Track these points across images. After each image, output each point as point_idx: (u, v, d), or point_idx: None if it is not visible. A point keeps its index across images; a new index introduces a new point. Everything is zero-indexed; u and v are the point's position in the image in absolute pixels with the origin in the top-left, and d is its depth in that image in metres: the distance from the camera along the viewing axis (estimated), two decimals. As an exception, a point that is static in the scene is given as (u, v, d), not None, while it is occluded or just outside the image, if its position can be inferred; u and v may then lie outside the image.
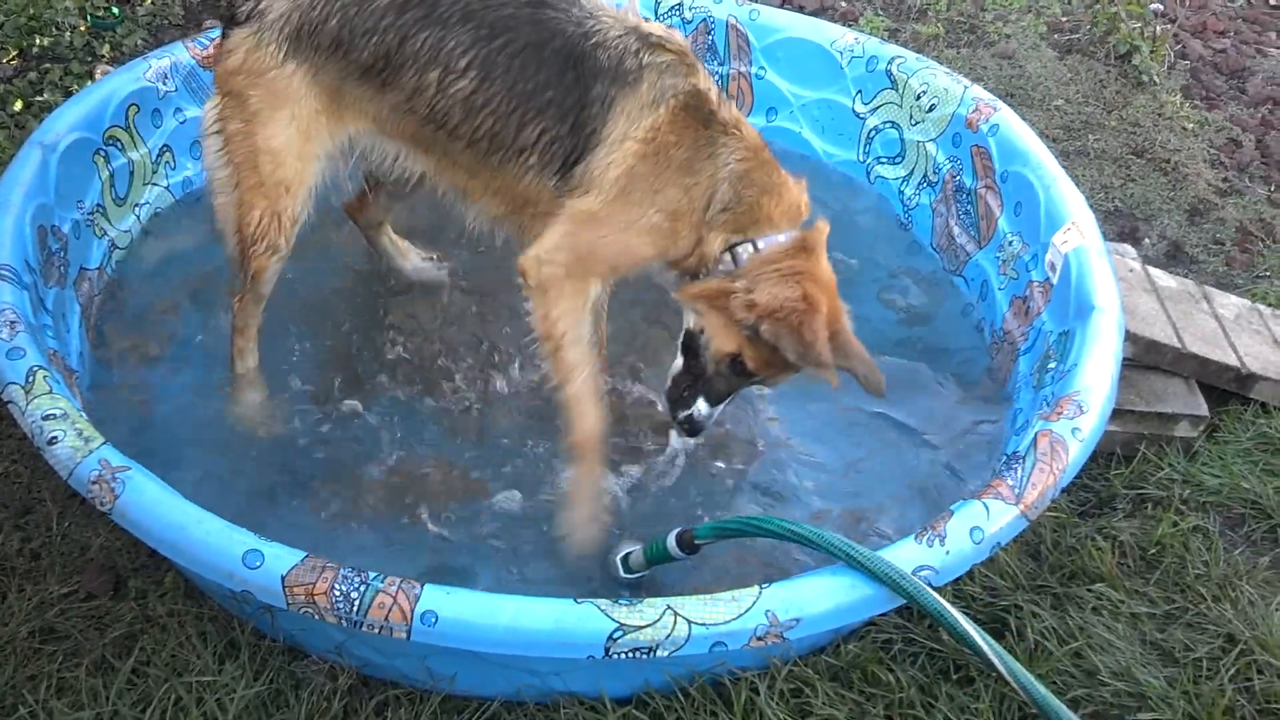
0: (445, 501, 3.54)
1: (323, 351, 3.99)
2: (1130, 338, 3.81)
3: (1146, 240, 4.72)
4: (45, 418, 3.01)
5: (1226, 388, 3.96)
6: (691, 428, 3.44)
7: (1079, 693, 3.12)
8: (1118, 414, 3.77)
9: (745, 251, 3.37)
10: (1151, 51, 5.47)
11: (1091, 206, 4.66)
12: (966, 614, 3.25)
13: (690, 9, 5.00)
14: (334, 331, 4.06)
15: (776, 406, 3.96)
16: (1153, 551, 3.51)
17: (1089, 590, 3.39)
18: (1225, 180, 5.03)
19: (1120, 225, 4.77)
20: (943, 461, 3.75)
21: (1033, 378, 3.73)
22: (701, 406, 3.41)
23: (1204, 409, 3.86)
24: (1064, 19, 5.94)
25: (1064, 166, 4.84)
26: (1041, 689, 2.85)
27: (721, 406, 3.45)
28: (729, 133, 3.36)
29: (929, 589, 2.85)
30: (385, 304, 4.16)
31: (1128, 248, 4.36)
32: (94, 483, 2.89)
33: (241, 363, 3.79)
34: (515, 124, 3.34)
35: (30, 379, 3.11)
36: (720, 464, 3.76)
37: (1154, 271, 4.18)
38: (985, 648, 2.87)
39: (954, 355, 4.18)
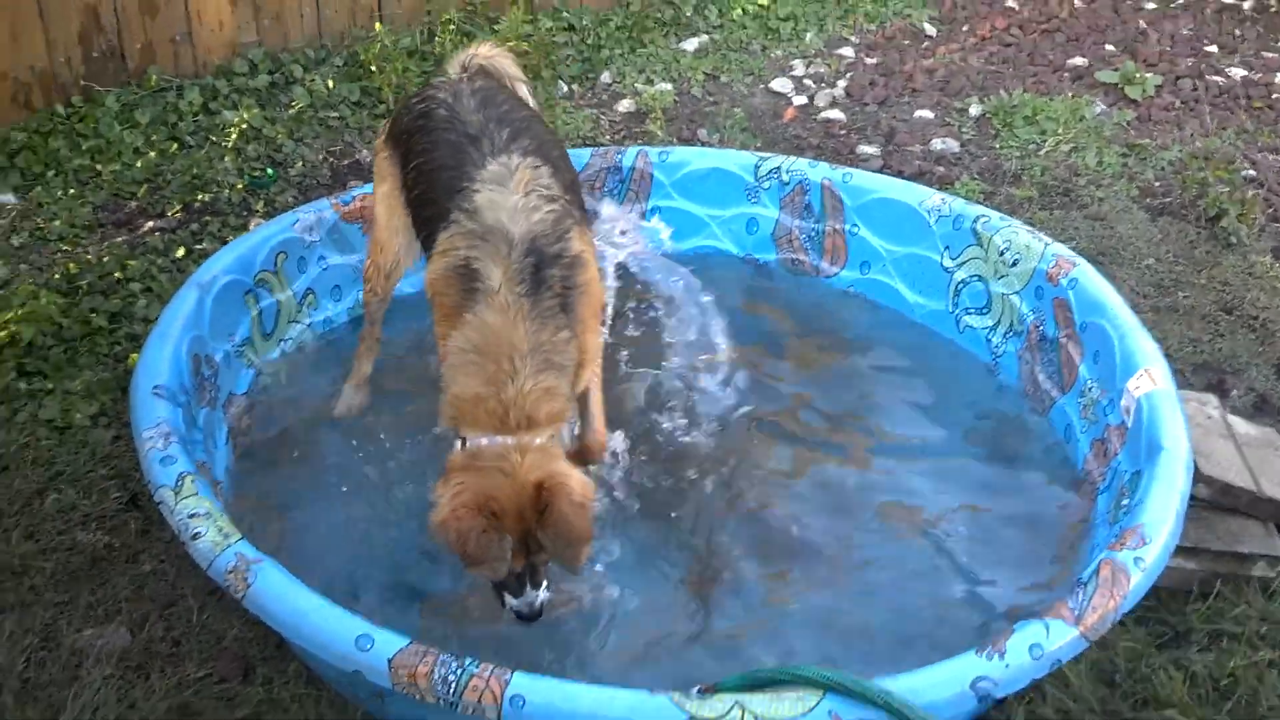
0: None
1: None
2: (1205, 480, 3.96)
3: (1235, 392, 4.86)
4: (191, 516, 3.40)
5: (1304, 532, 4.06)
6: (530, 615, 3.49)
7: (1148, 818, 3.22)
8: (1195, 553, 3.91)
9: (455, 447, 3.53)
10: (1240, 214, 5.68)
11: (1175, 357, 4.89)
12: (1038, 736, 3.46)
13: (788, 172, 5.40)
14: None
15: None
16: (1225, 682, 3.59)
17: (1160, 715, 3.48)
18: (1313, 336, 5.17)
19: (1208, 378, 4.93)
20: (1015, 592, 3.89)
21: (1109, 515, 3.90)
22: (532, 593, 3.47)
23: (1280, 550, 3.96)
24: (1156, 184, 6.19)
25: (1154, 322, 5.11)
26: None
27: (544, 584, 3.49)
28: (471, 314, 3.52)
29: None
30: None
31: (1210, 397, 4.51)
32: (230, 573, 3.25)
33: (357, 369, 4.59)
34: (417, 225, 4.00)
35: (180, 483, 3.51)
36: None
37: (1233, 419, 4.33)
38: None
39: (1040, 493, 4.35)
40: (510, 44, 6.92)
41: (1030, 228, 4.91)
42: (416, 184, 4.01)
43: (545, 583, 3.48)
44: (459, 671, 2.98)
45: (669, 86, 7.32)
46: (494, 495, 3.28)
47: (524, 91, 4.59)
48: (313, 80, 6.97)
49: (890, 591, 3.96)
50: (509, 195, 3.64)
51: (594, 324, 3.79)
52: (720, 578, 3.99)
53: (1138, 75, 7.13)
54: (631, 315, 4.95)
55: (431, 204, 3.86)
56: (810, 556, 4.08)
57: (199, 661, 3.62)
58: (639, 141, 6.54)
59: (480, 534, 3.24)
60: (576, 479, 3.38)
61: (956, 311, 5.05)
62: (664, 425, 4.53)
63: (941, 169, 6.47)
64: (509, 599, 3.47)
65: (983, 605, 3.89)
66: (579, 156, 5.51)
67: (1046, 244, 4.73)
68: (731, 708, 2.92)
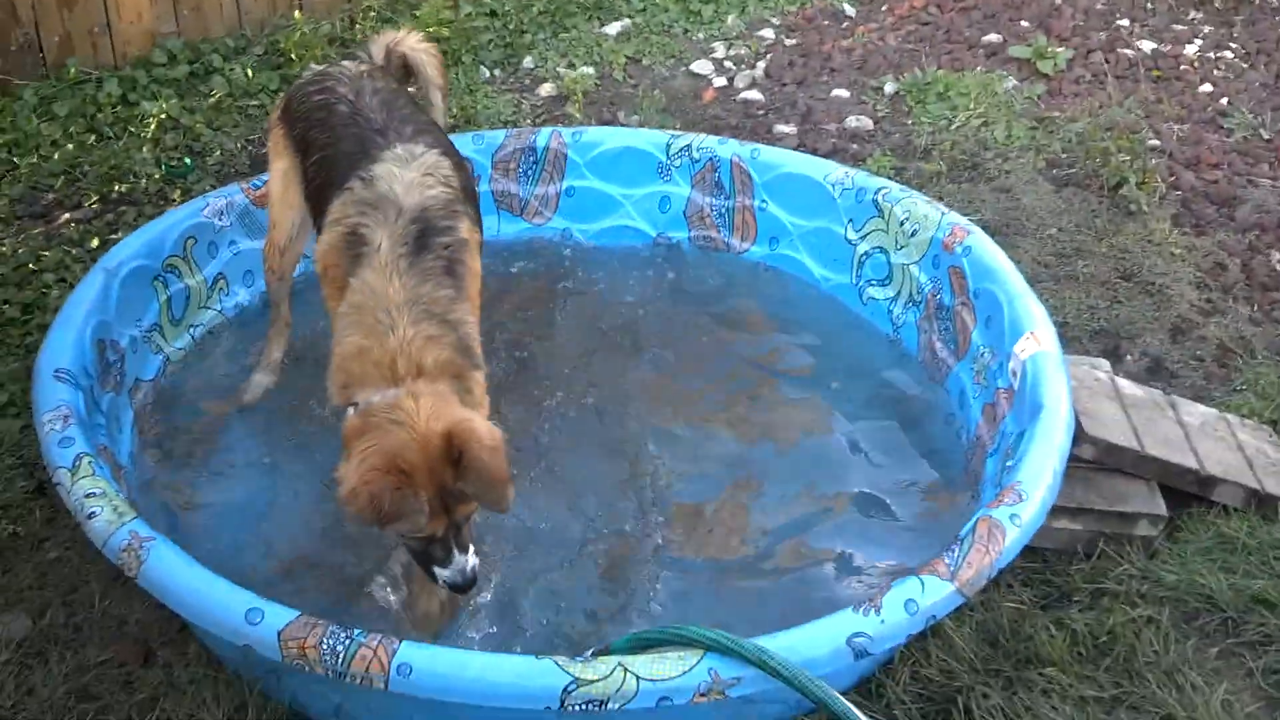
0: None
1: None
2: (1091, 440, 4.06)
3: (1129, 357, 4.97)
4: (86, 496, 3.44)
5: (1188, 490, 4.16)
6: (464, 583, 3.40)
7: (1018, 766, 3.33)
8: (1079, 513, 4.03)
9: (348, 415, 3.46)
10: (1140, 183, 5.80)
11: (1073, 324, 5.02)
12: (921, 694, 3.56)
13: (698, 149, 5.47)
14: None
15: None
16: (1104, 640, 3.69)
17: (1040, 674, 3.57)
18: (1209, 301, 5.28)
19: (1104, 343, 5.04)
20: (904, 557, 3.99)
21: (996, 477, 4.00)
22: (461, 558, 3.37)
23: (1163, 509, 4.06)
24: (1063, 155, 6.30)
25: (1053, 290, 5.22)
26: None
27: (471, 548, 3.42)
28: (355, 277, 3.56)
29: (831, 691, 3.02)
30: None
31: (1101, 361, 4.63)
32: (124, 550, 3.29)
33: (267, 353, 4.66)
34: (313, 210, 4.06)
35: (76, 463, 3.55)
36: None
37: (1122, 382, 4.44)
38: None
39: (934, 459, 4.46)
40: (430, 29, 6.96)
41: (928, 198, 5.01)
42: (319, 173, 4.04)
43: (472, 547, 3.41)
44: (347, 642, 3.04)
45: (591, 70, 7.36)
46: (400, 454, 3.21)
47: (437, 100, 4.64)
48: (232, 70, 6.97)
49: (784, 557, 4.05)
50: (408, 171, 3.71)
51: (476, 304, 3.80)
52: (618, 545, 4.06)
53: (1049, 50, 7.22)
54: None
55: (330, 185, 3.89)
56: (706, 523, 4.16)
57: (100, 646, 3.66)
58: (558, 124, 6.59)
59: (394, 491, 3.17)
60: (482, 424, 3.35)
61: (860, 284, 5.14)
62: (556, 400, 4.62)
63: (855, 146, 6.55)
64: (439, 571, 3.38)
65: (874, 572, 3.99)
66: (494, 138, 5.57)
67: (943, 213, 4.83)
68: (615, 669, 3.01)
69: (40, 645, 3.65)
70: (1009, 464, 3.83)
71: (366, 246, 3.56)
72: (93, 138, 6.40)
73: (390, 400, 3.32)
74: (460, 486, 3.25)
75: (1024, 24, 7.83)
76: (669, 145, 5.56)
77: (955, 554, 3.35)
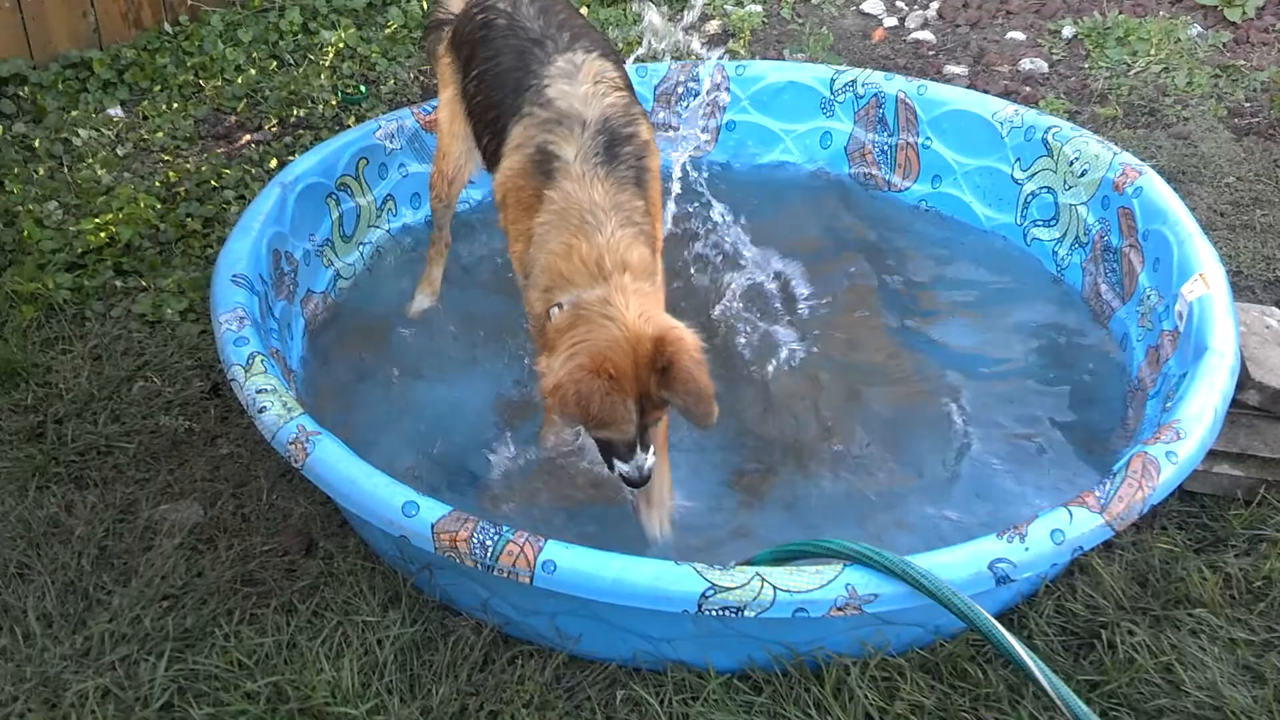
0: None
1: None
2: (1257, 386, 3.92)
3: (1305, 309, 4.78)
4: (258, 392, 3.61)
5: (1358, 442, 4.00)
6: (640, 479, 3.50)
7: (1161, 702, 3.25)
8: (1241, 459, 3.90)
9: (553, 315, 3.51)
10: (1329, 132, 5.55)
11: (1246, 274, 4.86)
12: (1064, 627, 3.51)
13: (863, 85, 5.41)
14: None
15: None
16: (1259, 584, 3.59)
17: (1189, 614, 3.49)
18: (1394, 256, 5.05)
19: (1278, 294, 4.86)
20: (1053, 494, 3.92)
21: (1155, 418, 3.90)
22: (641, 456, 3.45)
23: (1331, 459, 3.92)
24: (1246, 104, 6.05)
25: (1228, 239, 5.05)
26: (1083, 707, 3.03)
27: (650, 448, 3.48)
28: (552, 189, 3.62)
29: (975, 605, 3.04)
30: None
31: (1274, 309, 4.44)
32: (291, 443, 3.45)
33: (427, 274, 4.78)
34: (478, 131, 4.05)
35: (250, 362, 3.72)
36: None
37: (1294, 330, 4.28)
38: (1029, 661, 3.05)
39: (1094, 401, 4.37)
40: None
41: (1100, 138, 4.87)
42: (479, 89, 4.12)
43: (651, 446, 3.48)
44: (496, 537, 3.14)
45: (758, 8, 7.33)
46: (610, 356, 3.26)
47: None
48: (409, 1, 7.15)
49: (937, 491, 4.02)
50: (579, 85, 3.77)
51: (659, 211, 3.88)
52: (769, 474, 4.09)
53: (1238, -4, 6.95)
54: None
55: (496, 106, 3.97)
56: (860, 456, 4.15)
57: (265, 536, 3.85)
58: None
59: (604, 396, 3.23)
60: (689, 333, 3.41)
61: (1025, 224, 5.04)
62: (724, 324, 4.64)
63: (1028, 88, 6.41)
64: (618, 464, 3.47)
65: (1027, 507, 3.93)
66: (657, 70, 5.60)
67: (1115, 153, 4.70)
68: (752, 578, 3.04)
69: (210, 533, 3.85)
70: (1169, 404, 3.74)
71: (558, 161, 3.64)
72: (274, 64, 6.66)
73: (600, 295, 3.39)
74: (666, 396, 3.32)
75: (1213, -31, 7.51)
76: (833, 80, 5.51)
77: (1107, 488, 3.29)
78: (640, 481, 3.50)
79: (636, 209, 3.61)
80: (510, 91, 3.90)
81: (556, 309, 3.50)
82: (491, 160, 4.01)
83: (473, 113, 4.20)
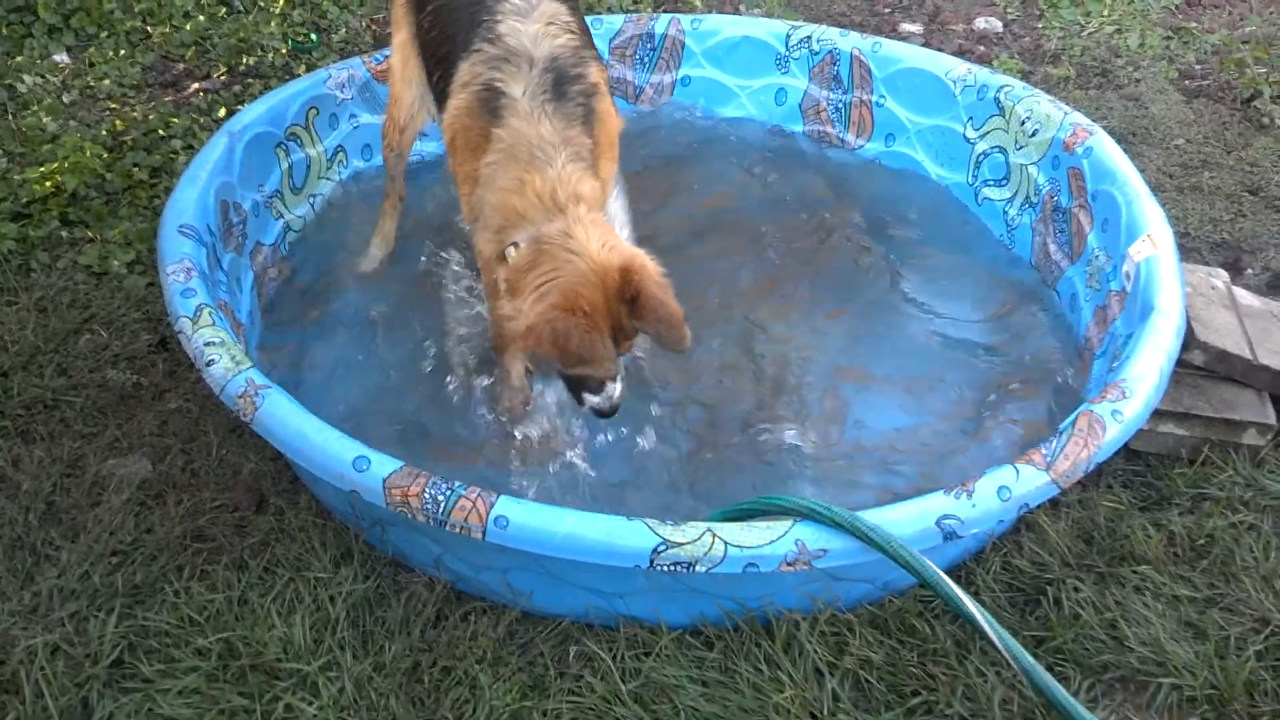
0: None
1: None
2: (1202, 346, 3.99)
3: (1249, 270, 4.85)
4: (206, 344, 3.57)
5: (1302, 401, 4.08)
6: (610, 410, 3.58)
7: (1106, 658, 3.32)
8: (1185, 418, 3.97)
9: (510, 255, 3.50)
10: (1276, 96, 5.60)
11: (1194, 235, 4.90)
12: (1011, 584, 3.57)
13: (818, 41, 5.40)
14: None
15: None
16: (1202, 542, 3.66)
17: (1133, 571, 3.56)
18: (1339, 219, 5.13)
19: (1225, 256, 4.92)
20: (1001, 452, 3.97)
21: (1101, 377, 3.95)
22: (611, 387, 3.52)
23: (1273, 419, 3.98)
24: (1197, 66, 6.11)
25: (1176, 201, 5.10)
26: (1030, 659, 3.10)
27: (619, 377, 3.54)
28: (500, 128, 3.59)
29: (922, 558, 3.10)
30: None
31: (1219, 270, 4.51)
32: (240, 397, 3.42)
33: (380, 226, 4.73)
34: (430, 67, 4.02)
35: (198, 314, 3.68)
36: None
37: (1239, 291, 4.33)
38: (977, 615, 3.12)
39: (1041, 362, 4.40)
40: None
41: (1051, 98, 4.89)
42: (434, 25, 4.05)
43: (619, 375, 3.52)
44: (448, 493, 3.14)
45: (715, -38, 7.29)
46: (581, 292, 3.28)
47: None
48: (359, -51, 7.04)
49: (881, 449, 4.06)
50: (531, 24, 3.74)
51: (611, 153, 3.86)
52: (717, 423, 4.11)
53: (1192, -43, 6.99)
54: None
55: (449, 40, 3.91)
56: (808, 412, 4.17)
57: (215, 491, 3.83)
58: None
59: (583, 333, 3.25)
60: (650, 261, 3.43)
61: (976, 183, 5.07)
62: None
63: (982, 48, 6.44)
64: (588, 397, 3.52)
65: (974, 465, 3.96)
66: (612, 23, 5.56)
67: (1066, 113, 4.72)
68: (703, 534, 3.07)
69: (159, 488, 3.82)
70: (1115, 364, 3.78)
71: (505, 98, 3.61)
72: (223, 10, 6.56)
73: (560, 228, 3.39)
74: (638, 325, 3.34)
75: (1166, -71, 7.54)
76: (788, 36, 5.50)
77: (1053, 445, 3.34)
78: (611, 412, 3.55)
79: (584, 145, 3.60)
80: (463, 26, 3.84)
81: (513, 248, 3.49)
82: (440, 99, 3.97)
83: (425, 48, 4.15)
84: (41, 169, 5.13)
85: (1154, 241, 4.03)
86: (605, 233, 3.42)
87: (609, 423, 3.84)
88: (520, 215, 3.48)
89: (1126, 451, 3.88)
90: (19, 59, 6.02)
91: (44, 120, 5.55)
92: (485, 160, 3.61)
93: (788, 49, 5.50)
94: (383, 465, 3.21)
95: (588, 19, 5.49)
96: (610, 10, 6.59)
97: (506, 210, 3.52)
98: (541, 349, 3.28)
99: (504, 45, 3.68)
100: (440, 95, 3.96)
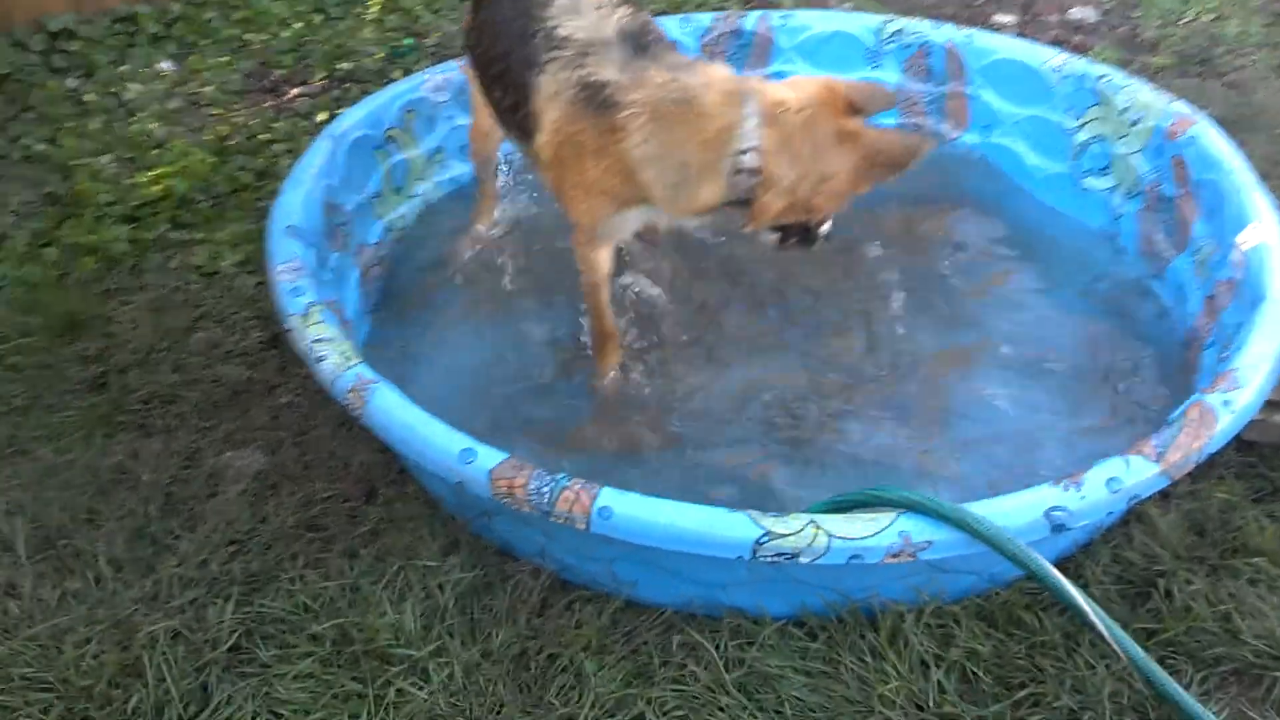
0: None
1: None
2: (1320, 337, 3.91)
3: (1361, 259, 4.73)
4: (316, 341, 3.65)
5: None
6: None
7: (1219, 650, 3.27)
8: (1305, 410, 3.88)
9: (746, 162, 3.54)
10: (1385, 80, 5.47)
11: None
12: (1121, 576, 3.53)
13: (910, 34, 5.37)
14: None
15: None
16: (1319, 534, 3.60)
17: (1247, 564, 3.50)
18: None
19: (1335, 245, 4.80)
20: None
21: (1212, 368, 3.88)
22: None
23: (1388, 407, 3.89)
24: (1302, 51, 5.99)
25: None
26: (1141, 653, 3.06)
27: None
28: (621, 112, 3.59)
29: (1031, 552, 3.08)
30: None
31: (1330, 258, 4.41)
32: (350, 392, 3.50)
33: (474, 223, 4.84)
34: (486, 85, 4.07)
35: (308, 312, 3.76)
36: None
37: (1353, 280, 4.23)
38: (1086, 607, 3.09)
39: (1149, 352, 4.33)
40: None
41: (1152, 86, 4.82)
42: (480, 40, 4.07)
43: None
44: (552, 484, 3.18)
45: (804, -42, 7.26)
46: (846, 126, 3.58)
47: None
48: (449, -45, 7.13)
49: (985, 441, 4.02)
50: (585, 15, 3.75)
51: None
52: (814, 422, 4.10)
53: (1295, -59, 6.83)
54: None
55: (502, 59, 3.91)
56: (903, 403, 4.16)
57: (327, 482, 3.91)
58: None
59: (896, 140, 3.75)
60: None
61: (1078, 174, 5.01)
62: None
63: (1078, 37, 6.36)
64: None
65: (1078, 457, 3.92)
66: (700, 21, 5.57)
67: (1168, 101, 4.65)
68: (806, 525, 3.07)
69: (273, 480, 3.92)
70: (1225, 354, 3.72)
71: (608, 86, 3.61)
72: (319, 18, 6.67)
73: (772, 99, 3.57)
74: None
75: (1268, -87, 7.39)
76: (880, 30, 5.47)
77: (1163, 436, 3.30)
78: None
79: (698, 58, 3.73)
80: (515, 41, 3.83)
81: (747, 156, 3.53)
82: (510, 117, 3.98)
83: (477, 65, 4.17)
84: (151, 173, 5.29)
85: (1262, 230, 3.96)
86: (787, 82, 3.68)
87: (699, 412, 4.00)
88: (726, 132, 3.54)
89: (1238, 442, 3.78)
90: (124, 68, 6.19)
91: (151, 126, 5.71)
92: (632, 143, 3.59)
93: (879, 42, 5.47)
94: (488, 457, 3.26)
95: (675, 18, 5.57)
96: (699, 8, 6.60)
97: (709, 144, 3.57)
98: (888, 173, 3.63)
99: (574, 45, 3.69)
100: (509, 112, 3.96)
